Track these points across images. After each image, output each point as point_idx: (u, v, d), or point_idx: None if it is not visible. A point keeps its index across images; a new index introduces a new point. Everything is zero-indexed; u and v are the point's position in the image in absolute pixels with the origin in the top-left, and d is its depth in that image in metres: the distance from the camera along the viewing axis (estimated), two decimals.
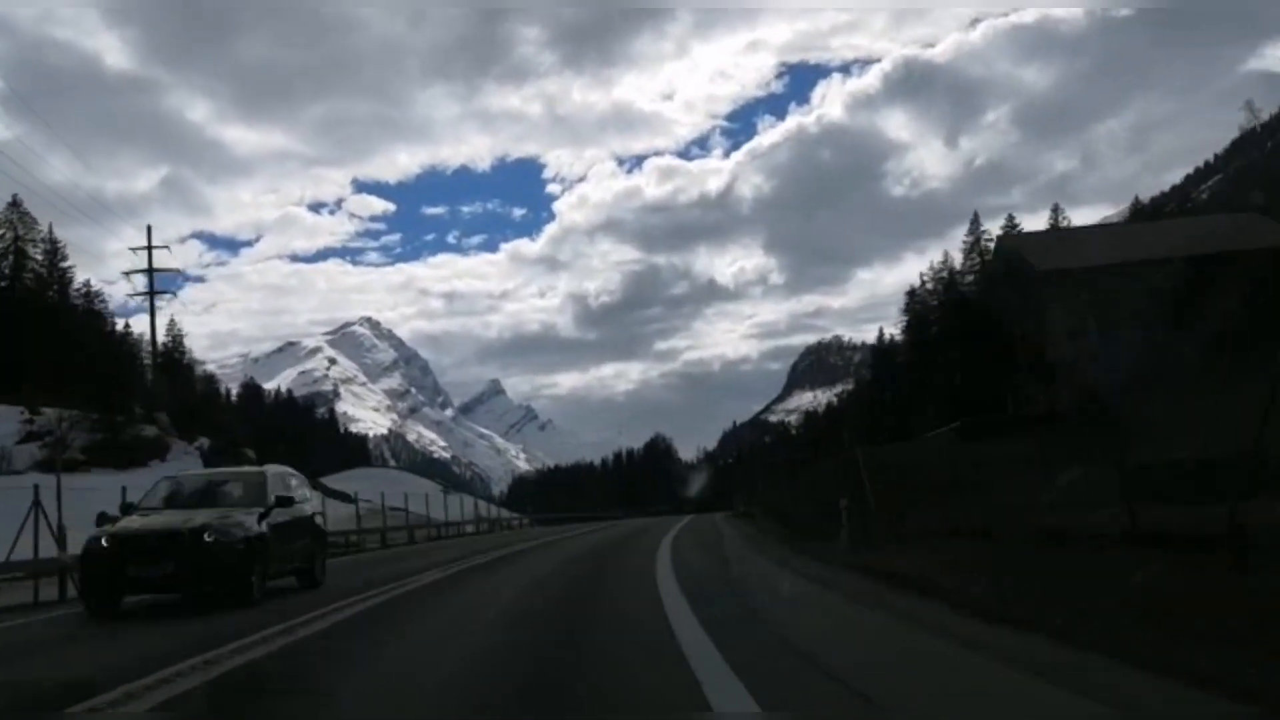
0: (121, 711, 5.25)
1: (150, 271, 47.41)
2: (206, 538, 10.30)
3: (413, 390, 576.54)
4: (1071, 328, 29.97)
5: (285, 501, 11.99)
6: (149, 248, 47.81)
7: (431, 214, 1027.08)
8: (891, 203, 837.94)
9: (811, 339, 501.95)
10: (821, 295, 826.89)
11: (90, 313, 62.89)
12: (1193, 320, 23.18)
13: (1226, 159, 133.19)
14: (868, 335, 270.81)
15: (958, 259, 73.12)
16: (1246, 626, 5.36)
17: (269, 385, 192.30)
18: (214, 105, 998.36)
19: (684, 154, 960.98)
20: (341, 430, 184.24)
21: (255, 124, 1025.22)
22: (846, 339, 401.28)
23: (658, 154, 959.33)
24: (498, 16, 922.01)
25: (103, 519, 11.53)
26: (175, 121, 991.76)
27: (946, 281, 72.74)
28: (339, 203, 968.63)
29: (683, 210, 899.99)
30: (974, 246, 69.94)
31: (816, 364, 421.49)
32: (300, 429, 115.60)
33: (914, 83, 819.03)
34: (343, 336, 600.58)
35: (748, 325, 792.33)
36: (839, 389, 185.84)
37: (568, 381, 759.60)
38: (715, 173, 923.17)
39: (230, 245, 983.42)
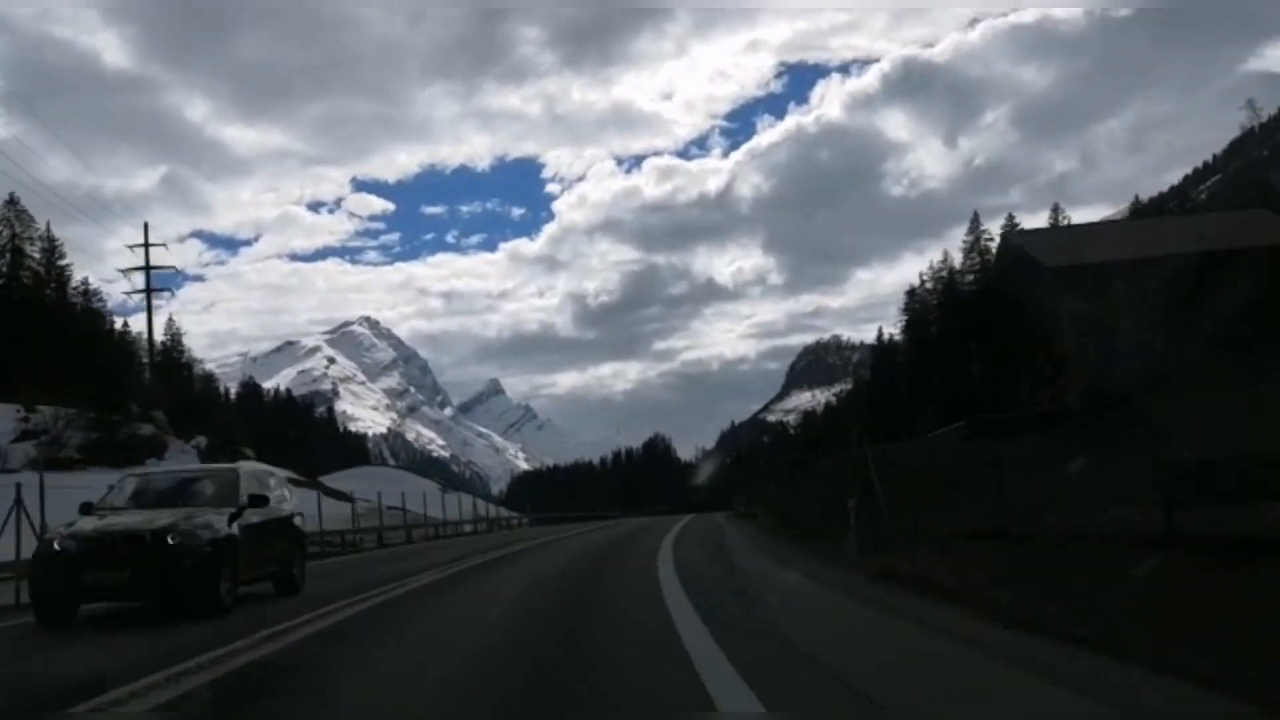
0: (122, 712, 5.21)
1: (147, 269, 47.23)
2: (170, 540, 9.44)
3: (412, 389, 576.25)
4: (1081, 324, 29.67)
5: (259, 501, 11.15)
6: (145, 245, 47.66)
7: (431, 213, 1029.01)
8: (890, 203, 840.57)
9: (810, 339, 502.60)
10: (820, 295, 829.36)
11: (88, 311, 62.70)
12: (1204, 317, 22.98)
13: (1226, 159, 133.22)
14: (866, 335, 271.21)
15: (957, 259, 73.07)
16: None
17: (268, 384, 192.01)
18: (213, 104, 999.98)
19: (683, 154, 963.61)
20: (340, 429, 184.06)
21: (255, 123, 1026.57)
22: (845, 339, 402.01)
23: (657, 154, 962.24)
24: (497, 16, 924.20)
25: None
26: (174, 120, 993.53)
27: (946, 281, 72.63)
28: (338, 202, 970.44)
29: (682, 210, 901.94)
30: (974, 246, 69.84)
31: (815, 364, 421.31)
32: (299, 428, 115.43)
33: (913, 83, 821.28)
34: (342, 336, 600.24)
35: (746, 325, 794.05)
36: (837, 389, 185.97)
37: (566, 381, 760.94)
38: (714, 172, 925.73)
39: (229, 244, 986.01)
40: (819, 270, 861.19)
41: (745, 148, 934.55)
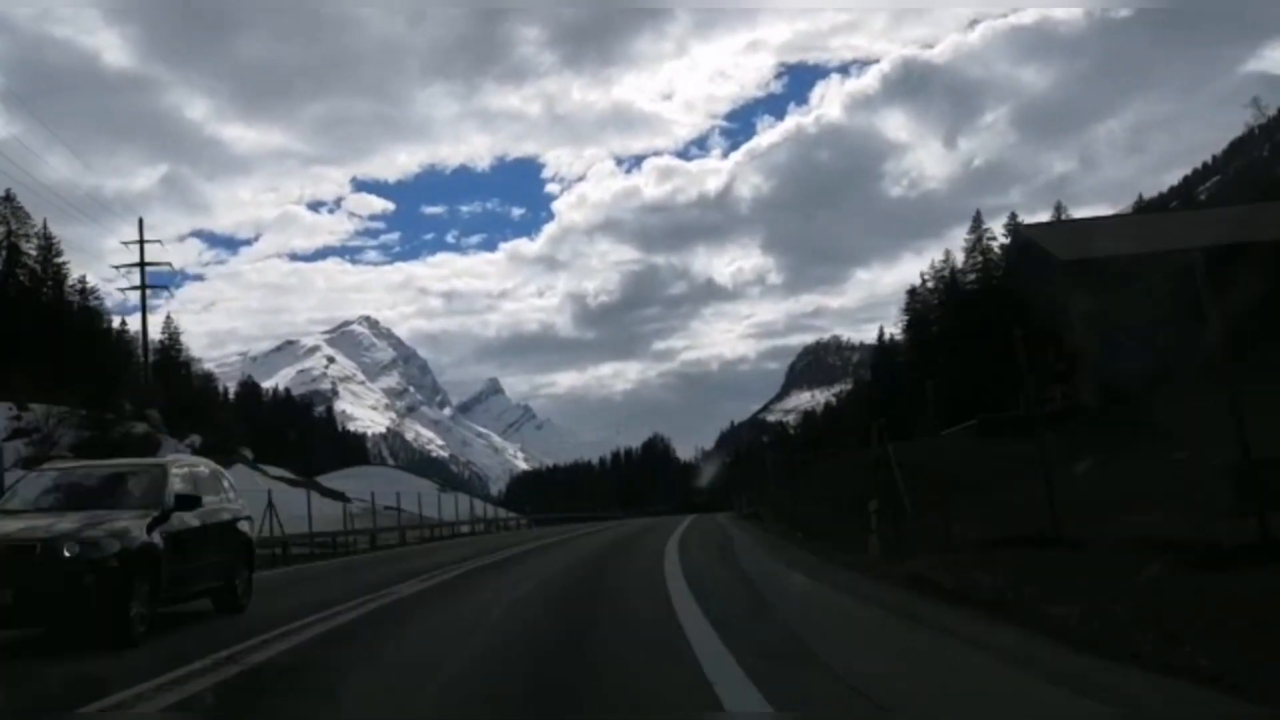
0: (132, 713, 5.07)
1: (142, 265, 46.94)
2: (66, 552, 7.82)
3: (411, 389, 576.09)
4: (1096, 318, 29.09)
5: (189, 502, 9.51)
6: (140, 242, 47.37)
7: (430, 213, 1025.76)
8: (890, 203, 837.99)
9: (809, 339, 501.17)
10: (820, 295, 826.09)
11: (85, 309, 62.48)
12: (1225, 312, 22.53)
13: (1226, 159, 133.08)
14: (866, 335, 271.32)
15: (959, 258, 72.80)
16: None
17: (267, 384, 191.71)
18: (213, 103, 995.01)
19: (683, 154, 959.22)
20: (340, 429, 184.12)
21: (254, 122, 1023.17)
22: (845, 339, 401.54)
23: (657, 154, 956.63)
24: (497, 16, 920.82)
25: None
26: (174, 119, 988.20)
27: (948, 280, 72.35)
28: (338, 201, 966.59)
29: (681, 210, 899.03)
30: (976, 245, 69.55)
31: (814, 364, 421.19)
32: (298, 427, 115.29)
33: (913, 83, 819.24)
34: (341, 335, 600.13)
35: (746, 325, 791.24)
36: (837, 389, 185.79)
37: (566, 381, 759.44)
38: (714, 173, 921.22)
39: (229, 244, 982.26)
40: (818, 270, 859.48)
41: (745, 148, 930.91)
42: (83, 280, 63.77)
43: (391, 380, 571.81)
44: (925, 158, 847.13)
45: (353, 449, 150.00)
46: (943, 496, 13.30)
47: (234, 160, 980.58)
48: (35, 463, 22.21)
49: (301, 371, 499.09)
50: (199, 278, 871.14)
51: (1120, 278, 28.47)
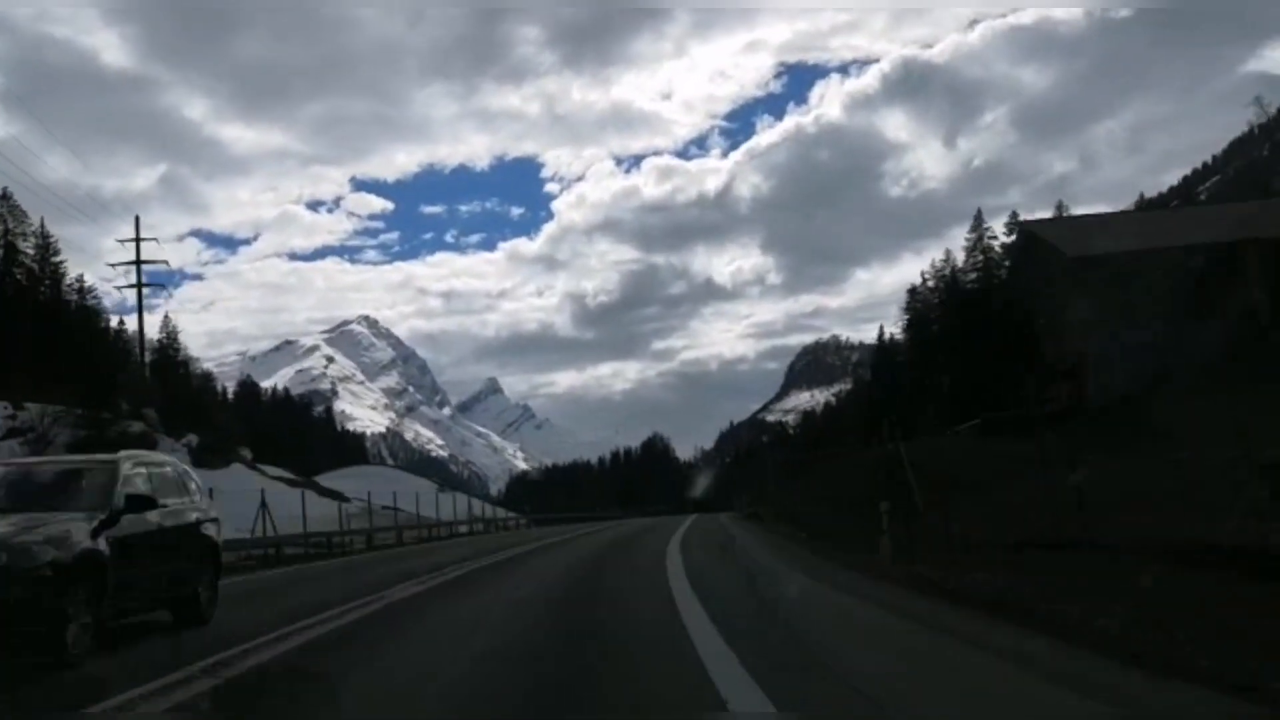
0: (139, 712, 5.01)
1: (138, 264, 46.75)
2: None
3: (410, 389, 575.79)
4: (1103, 315, 28.72)
5: (142, 503, 8.61)
6: (136, 240, 47.18)
7: (430, 213, 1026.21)
8: (889, 203, 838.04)
9: (809, 339, 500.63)
10: (819, 295, 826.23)
11: (83, 308, 62.23)
12: (1233, 309, 22.31)
13: (1225, 159, 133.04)
14: (865, 335, 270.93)
15: (960, 258, 72.59)
16: None
17: (266, 383, 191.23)
18: (212, 103, 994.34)
19: (682, 154, 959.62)
20: (339, 429, 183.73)
21: (253, 122, 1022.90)
22: (844, 339, 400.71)
23: (656, 154, 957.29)
24: (497, 16, 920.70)
25: None
26: (173, 119, 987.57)
27: (949, 280, 72.17)
28: (337, 201, 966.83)
29: (681, 210, 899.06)
30: (977, 244, 69.31)
31: (814, 364, 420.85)
32: (298, 427, 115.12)
33: (912, 83, 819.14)
34: (341, 335, 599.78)
35: (745, 325, 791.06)
36: (836, 389, 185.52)
37: (565, 380, 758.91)
38: (713, 172, 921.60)
39: (228, 243, 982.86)
40: (818, 270, 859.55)
41: (744, 148, 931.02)
42: (80, 279, 63.57)
43: (391, 380, 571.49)
44: (925, 158, 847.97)
45: (352, 449, 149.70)
46: (943, 496, 13.03)
47: (233, 160, 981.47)
48: None
49: (300, 371, 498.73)
50: (198, 277, 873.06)
51: (1123, 275, 28.19)
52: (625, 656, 7.07)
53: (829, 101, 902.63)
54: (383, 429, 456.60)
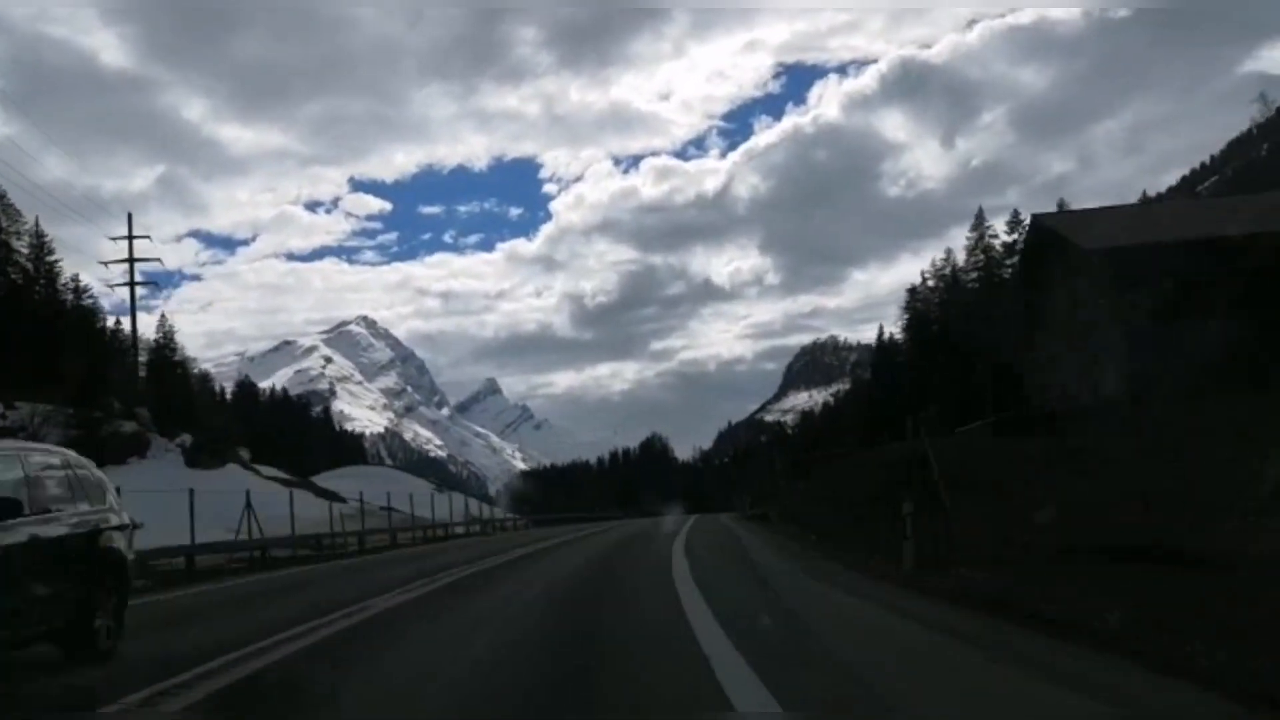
0: (152, 711, 5.03)
1: (130, 261, 46.37)
2: None
3: (409, 389, 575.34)
4: (1123, 311, 27.98)
5: (11, 508, 6.92)
6: (129, 238, 46.79)
7: (428, 213, 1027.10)
8: (887, 203, 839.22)
9: (807, 339, 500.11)
10: (817, 295, 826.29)
11: (78, 308, 61.81)
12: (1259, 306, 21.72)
13: (1224, 159, 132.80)
14: (863, 335, 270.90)
15: (960, 257, 72.27)
16: None
17: (265, 384, 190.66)
18: (210, 103, 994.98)
19: (681, 154, 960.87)
20: (337, 429, 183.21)
21: (252, 122, 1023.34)
22: (842, 339, 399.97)
23: (654, 154, 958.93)
24: (495, 16, 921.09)
25: None
26: (171, 120, 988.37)
27: (949, 279, 71.84)
28: (335, 202, 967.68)
29: (679, 210, 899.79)
30: (978, 244, 68.99)
31: (812, 364, 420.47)
32: (296, 428, 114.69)
33: (911, 83, 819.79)
34: (339, 335, 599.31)
35: (743, 325, 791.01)
36: (835, 389, 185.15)
37: (564, 381, 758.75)
38: (712, 173, 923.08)
39: (227, 244, 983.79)
40: (816, 271, 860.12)
41: (743, 148, 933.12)
42: (76, 279, 63.16)
43: (389, 380, 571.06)
44: (923, 158, 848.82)
45: (350, 449, 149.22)
46: (971, 497, 12.21)
47: (231, 160, 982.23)
48: None
49: (299, 371, 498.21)
50: (196, 278, 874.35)
51: (1156, 266, 27.27)
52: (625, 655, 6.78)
53: (827, 102, 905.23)
54: (381, 429, 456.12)
